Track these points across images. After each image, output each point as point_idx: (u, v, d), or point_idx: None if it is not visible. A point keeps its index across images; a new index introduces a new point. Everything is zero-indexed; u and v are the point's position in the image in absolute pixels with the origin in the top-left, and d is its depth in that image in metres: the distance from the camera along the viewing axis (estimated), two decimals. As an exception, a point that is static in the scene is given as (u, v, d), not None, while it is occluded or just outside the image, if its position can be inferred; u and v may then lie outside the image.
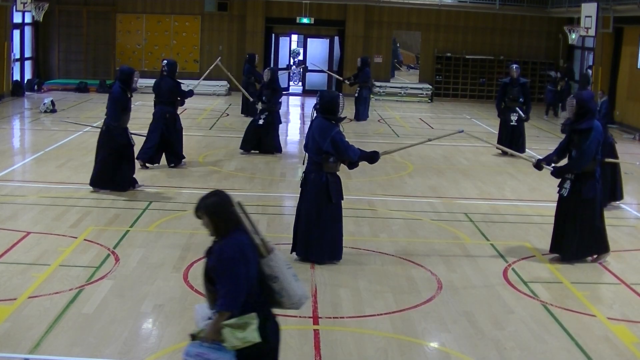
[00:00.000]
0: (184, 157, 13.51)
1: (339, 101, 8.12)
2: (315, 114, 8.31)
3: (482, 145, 17.13)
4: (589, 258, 8.80)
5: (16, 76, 24.25)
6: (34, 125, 18.58)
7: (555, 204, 8.94)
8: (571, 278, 8.26)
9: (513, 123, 15.53)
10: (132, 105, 11.35)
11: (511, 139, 15.35)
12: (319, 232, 8.16)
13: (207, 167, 13.45)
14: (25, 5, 22.35)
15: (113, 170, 11.11)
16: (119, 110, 11.01)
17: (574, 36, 23.71)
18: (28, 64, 25.63)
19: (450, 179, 13.32)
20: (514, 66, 15.66)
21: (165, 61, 13.41)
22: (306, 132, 8.48)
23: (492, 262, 8.70)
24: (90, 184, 11.21)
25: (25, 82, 24.80)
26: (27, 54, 25.50)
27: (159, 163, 13.29)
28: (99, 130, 11.40)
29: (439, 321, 6.85)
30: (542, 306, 7.35)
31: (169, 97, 13.09)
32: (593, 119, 8.45)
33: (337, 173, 8.31)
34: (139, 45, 27.19)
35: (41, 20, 24.17)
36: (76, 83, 25.72)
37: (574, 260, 8.70)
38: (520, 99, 15.56)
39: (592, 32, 21.04)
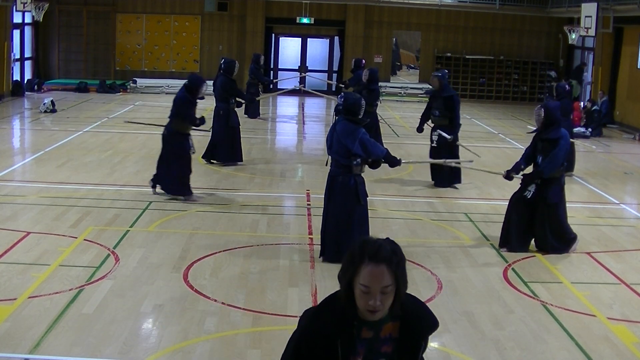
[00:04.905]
0: (236, 158, 13.69)
1: (362, 103, 8.19)
2: (336, 116, 8.35)
3: (482, 146, 17.15)
4: (572, 249, 9.18)
5: (16, 76, 24.25)
6: (34, 125, 18.58)
7: None
8: (571, 278, 8.27)
9: (434, 144, 12.44)
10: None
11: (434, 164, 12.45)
12: (349, 233, 8.19)
13: (207, 167, 13.45)
14: (25, 5, 22.35)
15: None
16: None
17: (574, 36, 23.71)
18: (28, 64, 25.63)
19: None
20: (435, 74, 12.81)
21: (223, 59, 13.84)
22: (327, 134, 8.49)
23: (492, 262, 8.71)
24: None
25: (25, 82, 24.79)
26: (27, 54, 25.50)
27: (222, 162, 13.61)
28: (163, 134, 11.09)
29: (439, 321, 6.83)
30: (542, 306, 7.35)
31: (221, 94, 13.53)
32: (560, 128, 8.92)
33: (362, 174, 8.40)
34: (139, 45, 27.19)
35: (41, 20, 24.17)
36: (76, 83, 25.72)
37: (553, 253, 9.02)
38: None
39: (592, 32, 21.04)
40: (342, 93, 8.67)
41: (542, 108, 8.89)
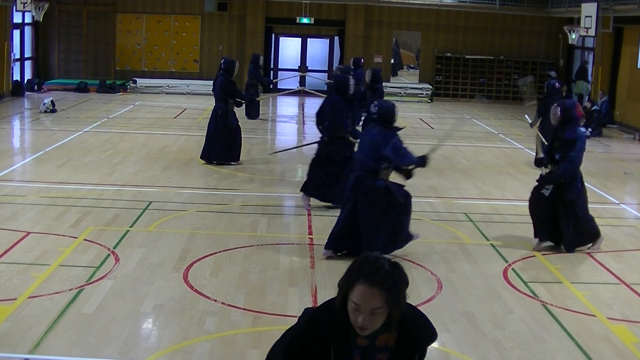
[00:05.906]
0: (231, 159, 13.65)
1: (396, 110, 8.38)
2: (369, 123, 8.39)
3: (482, 145, 17.15)
4: (587, 247, 9.22)
5: (16, 76, 24.25)
6: (34, 125, 18.58)
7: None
8: (571, 278, 8.27)
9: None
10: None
11: None
12: (382, 231, 8.15)
13: (207, 167, 13.45)
14: (25, 5, 22.35)
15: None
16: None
17: (574, 36, 23.71)
18: (28, 64, 25.63)
19: (450, 179, 13.32)
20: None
21: (223, 59, 13.83)
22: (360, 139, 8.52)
23: (492, 262, 8.70)
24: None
25: (25, 82, 24.79)
26: (27, 54, 25.50)
27: (218, 161, 13.59)
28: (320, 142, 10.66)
29: (439, 321, 6.84)
30: (542, 306, 7.35)
31: (220, 94, 13.52)
32: (577, 126, 8.99)
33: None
34: (139, 45, 27.19)
35: (41, 20, 24.17)
36: (76, 83, 25.73)
37: (576, 249, 9.09)
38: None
39: (592, 32, 21.04)
40: (376, 101, 8.76)
41: (559, 107, 8.93)
